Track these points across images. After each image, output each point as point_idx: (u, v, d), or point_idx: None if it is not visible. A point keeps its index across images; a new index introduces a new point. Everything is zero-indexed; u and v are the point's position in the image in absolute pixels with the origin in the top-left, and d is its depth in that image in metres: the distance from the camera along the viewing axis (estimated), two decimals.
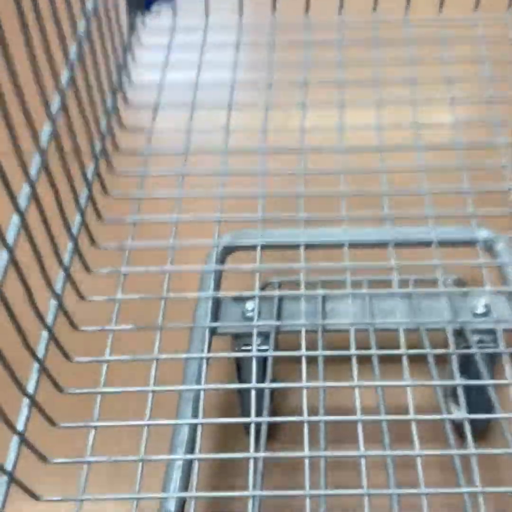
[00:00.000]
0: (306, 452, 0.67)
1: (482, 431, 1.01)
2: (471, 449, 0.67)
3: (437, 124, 0.90)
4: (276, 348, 0.84)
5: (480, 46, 0.97)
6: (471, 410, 0.73)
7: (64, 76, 0.70)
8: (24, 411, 0.62)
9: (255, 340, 0.79)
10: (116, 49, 0.83)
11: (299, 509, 0.64)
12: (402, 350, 0.77)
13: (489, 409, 0.75)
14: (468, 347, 0.87)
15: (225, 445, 1.05)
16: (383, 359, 0.78)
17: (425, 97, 0.94)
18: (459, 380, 0.74)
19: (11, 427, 0.56)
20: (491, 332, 0.95)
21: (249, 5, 1.03)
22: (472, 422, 0.70)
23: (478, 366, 0.81)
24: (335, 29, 0.99)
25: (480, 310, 0.93)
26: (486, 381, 0.77)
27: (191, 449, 0.72)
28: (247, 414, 0.70)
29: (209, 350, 0.78)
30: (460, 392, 0.74)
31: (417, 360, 0.81)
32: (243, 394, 0.95)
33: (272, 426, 1.00)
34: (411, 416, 0.71)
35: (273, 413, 0.80)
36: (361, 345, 0.78)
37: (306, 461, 0.67)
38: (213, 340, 0.82)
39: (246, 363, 0.92)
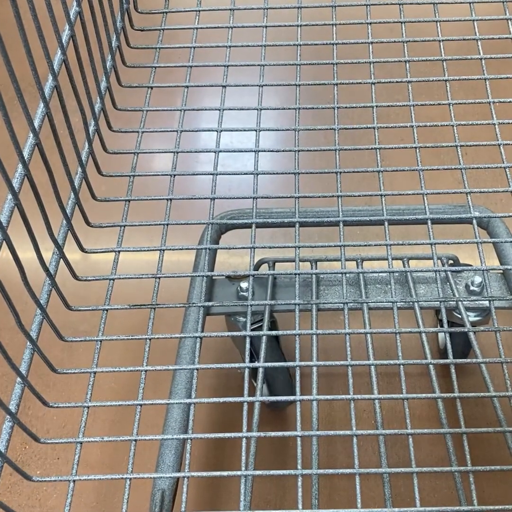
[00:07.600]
0: (298, 431, 0.67)
1: None
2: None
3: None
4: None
5: None
6: None
7: (56, 62, 0.70)
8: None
9: (249, 319, 0.79)
10: (107, 31, 0.82)
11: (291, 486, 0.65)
12: (395, 329, 0.77)
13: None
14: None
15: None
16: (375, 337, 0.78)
17: None
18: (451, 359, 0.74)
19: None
20: (485, 309, 0.95)
21: None
22: None
23: (472, 345, 0.81)
24: None
25: (474, 288, 0.93)
26: (479, 360, 0.77)
27: (184, 428, 0.72)
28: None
29: (202, 330, 0.78)
30: (453, 370, 0.74)
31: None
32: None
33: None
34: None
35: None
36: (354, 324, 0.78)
37: (298, 440, 0.67)
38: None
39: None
